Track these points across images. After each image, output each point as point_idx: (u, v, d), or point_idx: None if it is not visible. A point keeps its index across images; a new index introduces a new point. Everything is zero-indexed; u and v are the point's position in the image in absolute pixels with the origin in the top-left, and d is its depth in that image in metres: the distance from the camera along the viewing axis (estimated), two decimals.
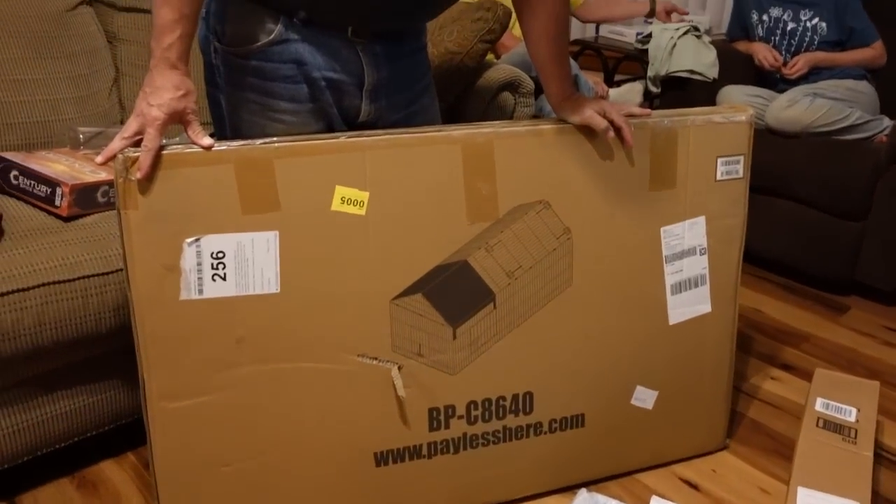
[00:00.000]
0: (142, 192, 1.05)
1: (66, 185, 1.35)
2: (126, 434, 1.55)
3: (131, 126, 1.04)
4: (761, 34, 2.50)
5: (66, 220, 1.38)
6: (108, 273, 1.30)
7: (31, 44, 1.71)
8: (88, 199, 1.40)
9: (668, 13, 2.64)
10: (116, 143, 1.03)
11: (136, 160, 1.03)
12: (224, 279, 1.12)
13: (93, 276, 1.28)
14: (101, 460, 1.51)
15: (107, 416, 1.43)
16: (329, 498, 1.27)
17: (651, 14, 2.64)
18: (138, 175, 1.02)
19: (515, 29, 2.34)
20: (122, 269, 1.31)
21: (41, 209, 1.40)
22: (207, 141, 1.06)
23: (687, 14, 2.73)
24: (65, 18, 1.79)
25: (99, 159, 1.03)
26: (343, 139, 1.13)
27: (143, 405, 1.14)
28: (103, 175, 1.43)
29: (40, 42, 1.72)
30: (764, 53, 2.43)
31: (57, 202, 1.36)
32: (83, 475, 1.47)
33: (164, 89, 1.03)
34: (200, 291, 1.11)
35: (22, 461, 1.36)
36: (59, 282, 1.25)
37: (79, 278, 1.27)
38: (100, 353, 1.36)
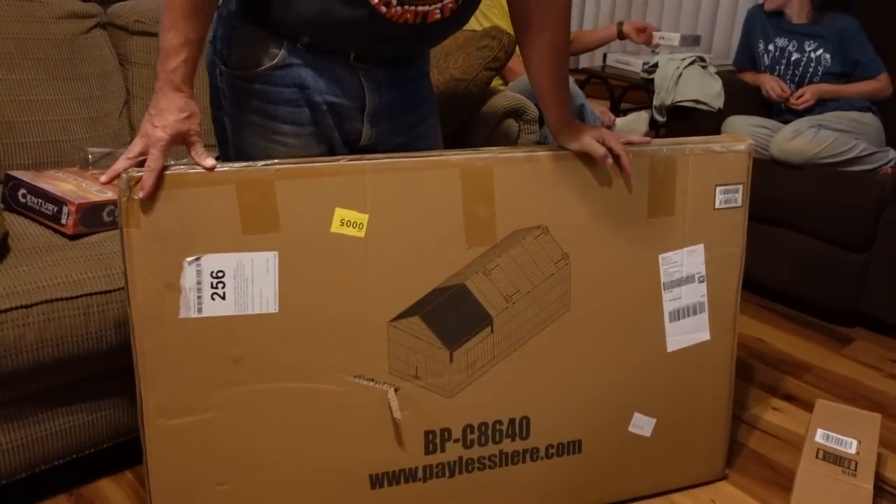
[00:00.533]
0: (144, 212, 1.07)
1: (72, 203, 1.38)
2: (124, 452, 1.55)
3: (136, 147, 1.06)
4: (767, 63, 2.52)
5: (72, 238, 1.40)
6: (110, 291, 1.32)
7: (44, 65, 1.75)
8: (94, 217, 1.42)
9: (640, 31, 2.64)
10: (121, 164, 1.06)
11: (139, 180, 1.05)
12: (223, 298, 1.13)
13: (95, 293, 1.30)
14: (99, 478, 1.52)
15: (106, 434, 1.44)
16: None
17: (621, 36, 2.65)
18: (141, 195, 1.04)
19: None
20: (123, 288, 1.32)
21: (48, 227, 1.43)
22: (210, 162, 1.08)
23: (658, 30, 2.73)
24: (78, 41, 1.83)
25: (103, 179, 1.06)
26: (344, 162, 1.15)
27: (139, 422, 1.15)
28: (110, 195, 1.45)
29: (53, 64, 1.76)
30: (771, 84, 2.45)
31: (63, 220, 1.39)
32: (80, 493, 1.48)
33: (169, 111, 1.06)
34: (200, 310, 1.13)
35: (20, 477, 1.37)
36: (61, 299, 1.27)
37: (81, 296, 1.29)
38: (100, 371, 1.37)
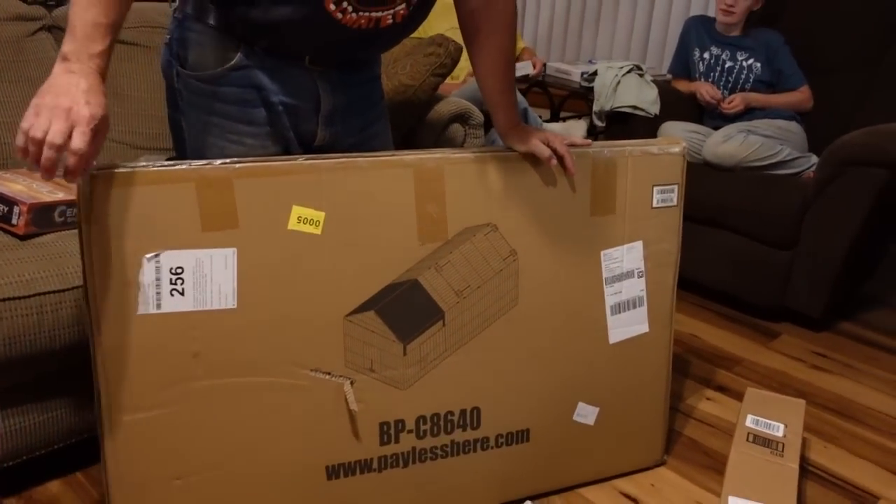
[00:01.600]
0: (103, 208, 1.09)
1: (23, 203, 1.38)
2: (74, 454, 1.55)
3: (59, 127, 0.90)
4: (702, 70, 2.65)
5: (23, 238, 1.40)
6: (64, 290, 1.32)
7: None
8: (45, 218, 1.42)
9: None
10: (51, 152, 0.91)
11: (101, 177, 1.06)
12: (182, 294, 1.15)
13: (49, 293, 1.30)
14: (49, 480, 1.51)
15: (57, 435, 1.43)
16: None
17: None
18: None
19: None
20: (78, 287, 1.33)
21: None
22: None
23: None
24: (23, 44, 1.82)
25: (45, 175, 0.93)
26: (300, 161, 1.19)
27: (97, 417, 1.16)
28: (61, 195, 1.45)
29: None
30: (706, 89, 2.58)
31: (14, 220, 1.38)
32: (30, 494, 1.47)
33: (97, 91, 0.95)
34: (159, 306, 1.15)
35: None
36: (14, 298, 1.27)
37: (34, 295, 1.29)
38: (53, 371, 1.37)
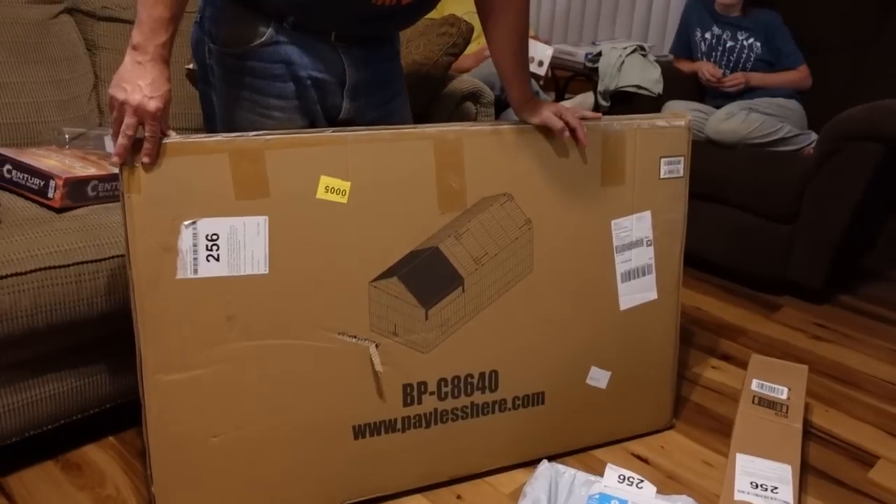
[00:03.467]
0: (144, 178, 1.15)
1: (59, 177, 1.43)
2: (107, 419, 1.61)
3: (130, 121, 1.09)
4: (703, 50, 2.71)
5: (59, 211, 1.46)
6: (100, 260, 1.38)
7: (15, 49, 1.78)
8: (80, 192, 1.47)
9: None
10: (124, 140, 1.10)
11: (140, 148, 1.12)
12: (217, 260, 1.21)
13: (86, 262, 1.36)
14: (84, 444, 1.57)
15: (93, 400, 1.49)
16: (310, 468, 1.37)
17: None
18: (145, 161, 1.12)
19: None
20: (114, 257, 1.39)
21: (34, 201, 1.48)
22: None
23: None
24: (47, 26, 1.87)
25: (115, 160, 1.11)
26: (328, 133, 1.25)
27: (139, 379, 1.22)
28: (93, 170, 1.51)
29: (24, 47, 1.80)
30: (707, 68, 2.64)
31: (50, 194, 1.44)
32: (67, 458, 1.53)
33: (160, 82, 1.11)
34: (195, 271, 1.21)
35: (10, 442, 1.42)
36: (54, 267, 1.33)
37: (73, 264, 1.35)
38: (89, 338, 1.43)
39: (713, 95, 2.69)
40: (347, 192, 1.27)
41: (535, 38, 3.17)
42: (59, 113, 1.83)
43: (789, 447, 1.50)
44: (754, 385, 1.69)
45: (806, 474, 1.58)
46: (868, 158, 2.13)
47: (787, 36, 2.61)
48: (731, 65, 2.65)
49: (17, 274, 1.29)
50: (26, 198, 1.49)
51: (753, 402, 1.64)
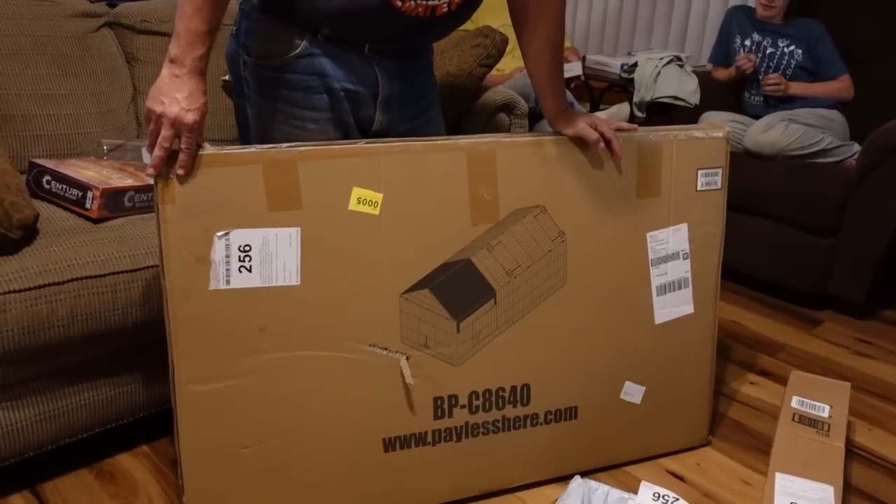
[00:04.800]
0: (179, 189, 1.15)
1: (97, 189, 1.45)
2: (140, 428, 1.63)
3: (167, 133, 1.11)
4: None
5: (96, 221, 1.48)
6: (136, 270, 1.39)
7: (57, 62, 1.82)
8: (116, 203, 1.49)
9: None
10: (160, 152, 1.11)
11: (175, 159, 1.13)
12: (250, 271, 1.22)
13: (122, 272, 1.38)
14: (117, 453, 1.59)
15: (126, 409, 1.51)
16: (340, 481, 1.36)
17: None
18: (180, 172, 1.13)
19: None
20: (148, 267, 1.40)
21: (72, 212, 1.50)
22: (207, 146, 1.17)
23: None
24: (88, 39, 1.91)
25: (150, 171, 1.12)
26: (361, 145, 1.25)
27: (171, 388, 1.23)
28: (129, 181, 1.53)
29: (66, 60, 1.84)
30: (742, 60, 2.59)
31: (87, 205, 1.46)
32: (101, 466, 1.55)
33: (197, 95, 1.13)
34: (228, 282, 1.21)
35: (46, 450, 1.43)
36: (90, 277, 1.34)
37: (109, 274, 1.36)
38: (124, 348, 1.45)
39: (751, 105, 2.64)
40: (379, 203, 1.27)
41: (576, 51, 3.16)
42: (99, 124, 1.86)
43: (831, 467, 1.45)
44: (794, 402, 1.65)
45: (848, 495, 1.53)
46: None
47: (830, 45, 2.56)
48: (771, 71, 2.61)
49: (54, 283, 1.30)
50: (65, 208, 1.51)
51: (794, 419, 1.59)
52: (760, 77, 2.59)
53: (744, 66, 2.58)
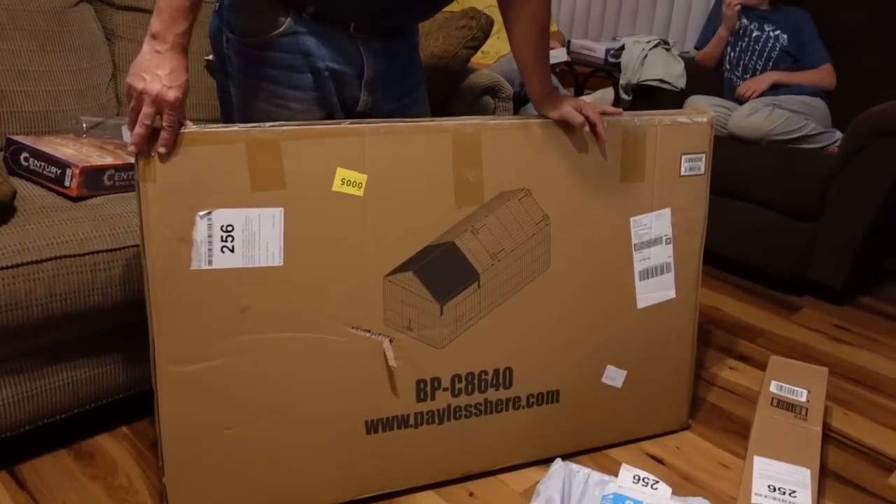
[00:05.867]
0: (160, 168, 1.14)
1: (76, 166, 1.43)
2: (120, 409, 1.61)
3: (148, 110, 1.09)
4: (730, 39, 2.68)
5: (75, 200, 1.45)
6: (115, 249, 1.37)
7: (34, 37, 1.78)
8: (96, 181, 1.47)
9: None
10: (140, 129, 1.09)
11: (156, 138, 1.12)
12: (232, 251, 1.21)
13: (102, 251, 1.36)
14: (97, 434, 1.57)
15: (106, 390, 1.49)
16: (323, 462, 1.36)
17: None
18: (162, 150, 1.11)
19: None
20: (129, 246, 1.39)
21: (50, 189, 1.48)
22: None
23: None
24: (66, 15, 1.87)
25: (131, 149, 1.11)
26: (345, 125, 1.23)
27: (152, 369, 1.22)
28: (109, 160, 1.50)
29: (43, 36, 1.80)
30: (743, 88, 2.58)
31: (66, 183, 1.44)
32: (79, 447, 1.53)
33: (179, 72, 1.10)
34: (210, 262, 1.20)
35: (23, 430, 1.42)
36: (69, 256, 1.32)
37: (88, 253, 1.34)
38: (103, 328, 1.43)
39: (735, 89, 2.65)
40: (364, 184, 1.26)
41: (561, 36, 3.15)
42: (77, 102, 1.83)
43: (808, 450, 1.47)
44: (773, 387, 1.67)
45: (825, 479, 1.55)
46: (894, 156, 2.09)
47: (814, 34, 2.57)
48: (756, 55, 2.62)
49: (32, 262, 1.28)
50: (43, 186, 1.49)
51: (772, 403, 1.61)
52: (749, 60, 2.60)
53: (731, 2, 2.58)
